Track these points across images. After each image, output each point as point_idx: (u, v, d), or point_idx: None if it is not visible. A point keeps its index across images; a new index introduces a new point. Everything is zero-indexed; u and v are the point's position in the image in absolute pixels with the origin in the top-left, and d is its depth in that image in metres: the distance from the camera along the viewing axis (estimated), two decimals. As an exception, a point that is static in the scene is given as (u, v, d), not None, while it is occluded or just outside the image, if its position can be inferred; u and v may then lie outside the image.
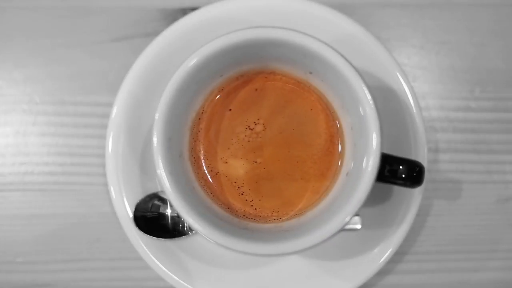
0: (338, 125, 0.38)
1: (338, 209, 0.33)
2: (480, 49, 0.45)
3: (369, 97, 0.32)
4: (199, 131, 0.39)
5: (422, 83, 0.45)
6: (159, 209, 0.40)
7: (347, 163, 0.37)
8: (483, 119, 0.45)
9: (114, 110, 0.39)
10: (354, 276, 0.39)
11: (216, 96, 0.39)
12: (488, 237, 0.44)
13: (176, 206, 0.33)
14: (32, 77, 0.45)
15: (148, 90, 0.39)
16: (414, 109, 0.39)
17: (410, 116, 0.39)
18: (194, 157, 0.38)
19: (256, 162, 0.38)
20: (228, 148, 0.38)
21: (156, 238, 0.39)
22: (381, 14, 0.46)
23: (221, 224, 0.34)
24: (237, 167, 0.38)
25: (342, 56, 0.33)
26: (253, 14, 0.39)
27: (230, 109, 0.39)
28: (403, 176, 0.35)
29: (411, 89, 0.39)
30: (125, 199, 0.40)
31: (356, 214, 0.33)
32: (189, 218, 0.33)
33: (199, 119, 0.39)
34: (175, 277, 0.39)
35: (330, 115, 0.38)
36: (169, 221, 0.40)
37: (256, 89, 0.39)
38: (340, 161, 0.38)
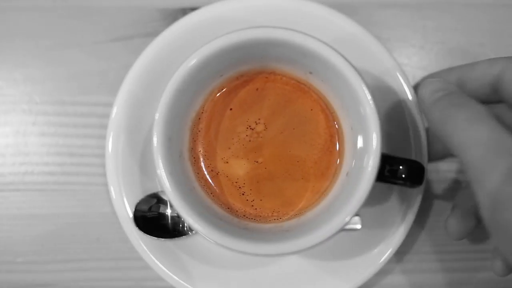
0: (338, 125, 0.38)
1: (338, 209, 0.33)
2: (480, 49, 0.45)
3: (369, 97, 0.32)
4: (199, 131, 0.39)
5: (422, 83, 0.45)
6: (159, 209, 0.40)
7: (347, 163, 0.37)
8: (483, 119, 0.45)
9: (114, 110, 0.39)
10: (354, 276, 0.39)
11: (216, 96, 0.39)
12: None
13: (176, 206, 0.33)
14: (32, 77, 0.45)
15: (148, 90, 0.39)
16: (414, 109, 0.39)
17: (410, 116, 0.39)
18: (194, 157, 0.38)
19: (257, 162, 0.38)
20: (229, 148, 0.38)
21: (156, 238, 0.39)
22: (381, 14, 0.46)
23: (221, 224, 0.34)
24: (238, 167, 0.38)
25: (342, 56, 0.33)
26: (253, 14, 0.39)
27: (230, 109, 0.39)
28: (403, 176, 0.35)
29: (411, 89, 0.39)
30: (125, 199, 0.40)
31: (356, 214, 0.33)
32: (189, 218, 0.33)
33: (199, 119, 0.39)
34: (175, 277, 0.39)
35: (330, 115, 0.38)
36: (169, 221, 0.40)
37: (256, 89, 0.39)
38: (340, 161, 0.38)
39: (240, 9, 0.40)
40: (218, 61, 0.34)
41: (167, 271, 0.39)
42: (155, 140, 0.33)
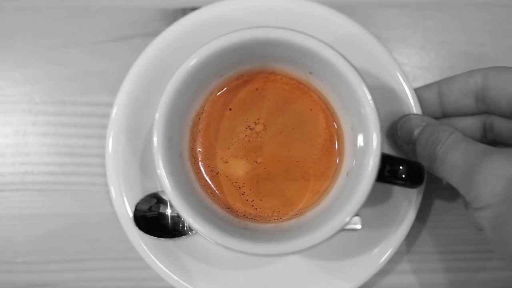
0: (338, 125, 0.38)
1: (338, 209, 0.33)
2: (480, 49, 0.45)
3: (369, 97, 0.32)
4: (199, 131, 0.39)
5: (422, 83, 0.45)
6: (159, 209, 0.40)
7: (347, 163, 0.37)
8: (483, 119, 0.45)
9: (114, 110, 0.39)
10: (354, 276, 0.39)
11: (217, 96, 0.39)
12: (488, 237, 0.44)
13: (176, 206, 0.33)
14: (32, 77, 0.45)
15: (148, 90, 0.39)
16: (414, 109, 0.39)
17: (410, 116, 0.39)
18: (194, 157, 0.38)
19: (256, 162, 0.38)
20: (228, 148, 0.38)
21: (156, 238, 0.39)
22: (381, 14, 0.46)
23: (221, 224, 0.34)
24: (238, 167, 0.38)
25: (342, 56, 0.33)
26: (253, 14, 0.39)
27: (230, 109, 0.39)
28: (403, 176, 0.35)
29: (411, 89, 0.39)
30: (125, 199, 0.40)
31: (356, 214, 0.33)
32: (189, 218, 0.33)
33: (199, 119, 0.39)
34: (175, 277, 0.39)
35: (330, 115, 0.38)
36: (169, 221, 0.40)
37: (256, 89, 0.39)
38: (340, 161, 0.38)
39: (240, 9, 0.40)
40: (218, 61, 0.34)
41: (167, 271, 0.39)
42: (155, 140, 0.33)
